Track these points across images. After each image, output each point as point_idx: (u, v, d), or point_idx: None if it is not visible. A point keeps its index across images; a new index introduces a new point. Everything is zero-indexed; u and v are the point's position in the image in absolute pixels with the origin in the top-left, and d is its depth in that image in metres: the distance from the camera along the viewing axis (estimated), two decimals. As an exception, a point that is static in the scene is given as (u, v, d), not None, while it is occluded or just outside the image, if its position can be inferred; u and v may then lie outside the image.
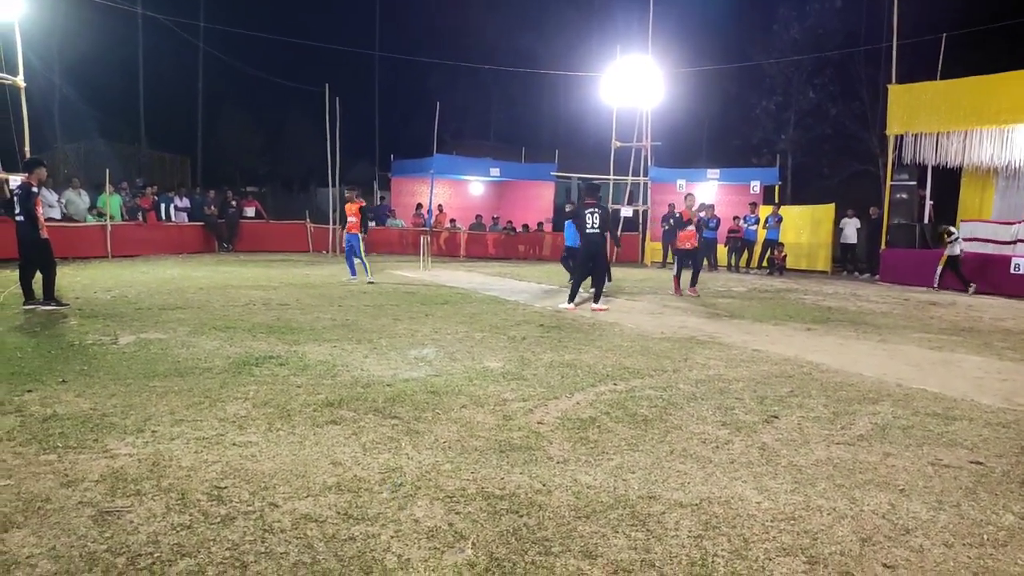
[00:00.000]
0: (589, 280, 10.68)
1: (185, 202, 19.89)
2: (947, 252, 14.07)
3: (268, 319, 8.22)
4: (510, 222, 22.38)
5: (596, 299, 10.13)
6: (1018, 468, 3.91)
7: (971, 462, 3.97)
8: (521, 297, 11.24)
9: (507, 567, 2.70)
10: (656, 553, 2.83)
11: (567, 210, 10.69)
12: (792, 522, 3.15)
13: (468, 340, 7.31)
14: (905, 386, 5.75)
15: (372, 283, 12.53)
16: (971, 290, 13.57)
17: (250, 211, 21.39)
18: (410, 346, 6.90)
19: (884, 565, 2.79)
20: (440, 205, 22.60)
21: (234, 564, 2.65)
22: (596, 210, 10.02)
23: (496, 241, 21.86)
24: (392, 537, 2.91)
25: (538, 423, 4.49)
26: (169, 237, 18.73)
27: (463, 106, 33.05)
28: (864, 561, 2.81)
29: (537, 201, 23.69)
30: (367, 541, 2.87)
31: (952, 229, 14.45)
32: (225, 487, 3.35)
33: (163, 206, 19.22)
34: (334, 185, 20.52)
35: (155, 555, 2.69)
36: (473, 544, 2.87)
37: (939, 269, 14.24)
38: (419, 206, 22.65)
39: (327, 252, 20.40)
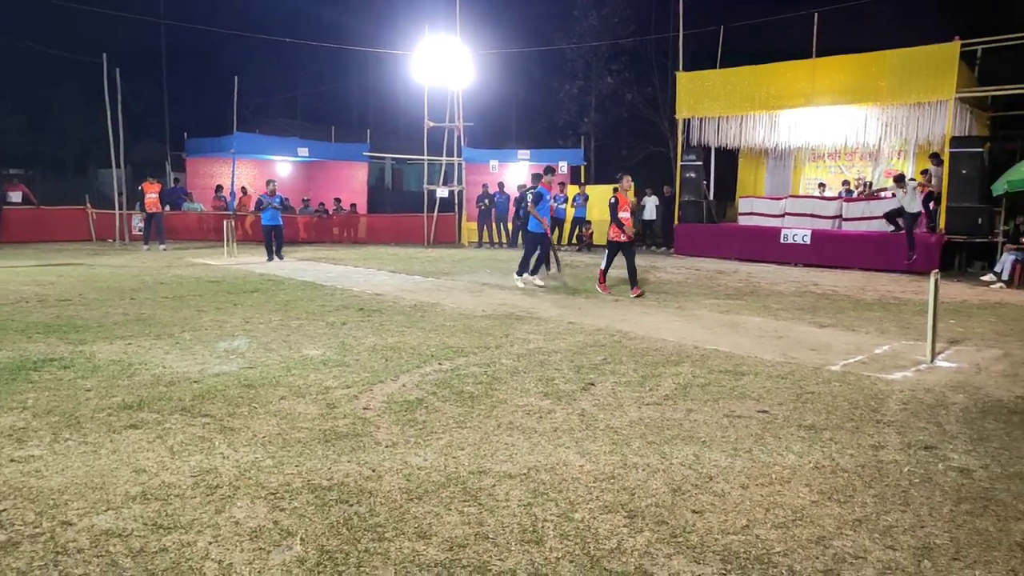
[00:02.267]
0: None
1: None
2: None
3: (46, 317, 7.28)
4: (322, 204, 21.56)
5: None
6: (796, 413, 4.44)
7: (758, 411, 4.46)
8: (339, 282, 10.90)
9: (339, 558, 2.61)
10: (489, 525, 2.88)
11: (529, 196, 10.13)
12: (612, 481, 3.35)
13: (283, 328, 6.96)
14: (701, 348, 6.31)
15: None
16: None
17: (15, 196, 18.73)
18: (218, 338, 6.44)
19: (693, 511, 3.05)
20: (244, 187, 21.24)
21: (20, 596, 2.33)
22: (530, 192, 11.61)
23: (308, 224, 20.98)
24: (211, 543, 2.70)
25: (364, 409, 4.39)
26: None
27: (266, 82, 31.20)
28: (676, 509, 3.06)
29: (350, 182, 23.02)
30: (182, 550, 2.64)
31: None
32: (4, 510, 2.93)
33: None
34: (119, 166, 18.52)
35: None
36: (301, 540, 2.74)
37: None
38: (219, 188, 21.13)
39: (114, 240, 18.44)
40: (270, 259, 14.16)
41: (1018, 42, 13.74)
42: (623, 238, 9.75)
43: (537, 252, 10.88)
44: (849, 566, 2.61)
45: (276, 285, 10.39)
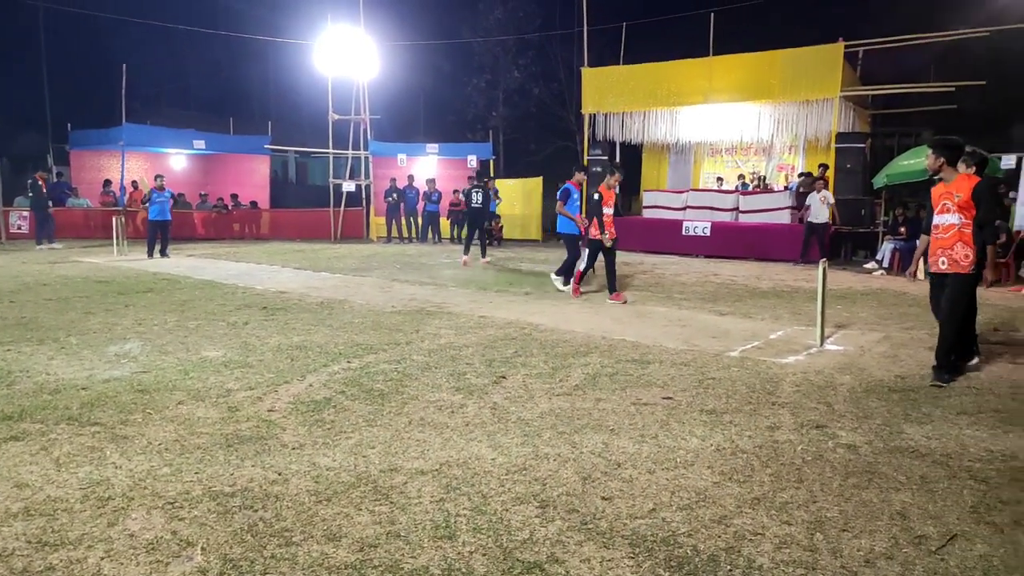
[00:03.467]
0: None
1: None
2: None
3: (-90, 324, 6.67)
4: (221, 199, 20.68)
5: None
6: (698, 399, 4.62)
7: (664, 398, 4.60)
8: (241, 280, 10.49)
9: (244, 566, 2.52)
10: (401, 523, 2.85)
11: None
12: (524, 472, 3.38)
13: (180, 330, 6.64)
14: (609, 338, 6.46)
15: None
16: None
17: None
18: (109, 342, 6.07)
19: (602, 498, 3.12)
20: (135, 181, 20.11)
21: None
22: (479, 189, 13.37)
23: (206, 220, 20.09)
24: (103, 558, 2.55)
25: (268, 411, 4.24)
26: None
27: (157, 71, 29.56)
28: (586, 497, 3.12)
29: (251, 176, 22.19)
30: (70, 568, 2.48)
31: None
32: None
33: None
34: (-7, 159, 17.17)
35: None
36: (203, 549, 2.63)
37: None
38: (108, 183, 19.92)
39: (-10, 239, 17.10)
40: (151, 256, 13.53)
41: (894, 45, 14.76)
42: (607, 241, 8.72)
43: (581, 254, 9.54)
44: (749, 542, 2.73)
45: (172, 284, 9.90)
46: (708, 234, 15.33)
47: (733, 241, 15.00)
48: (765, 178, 17.36)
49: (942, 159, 5.18)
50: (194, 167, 22.63)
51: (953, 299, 5.11)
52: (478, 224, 13.92)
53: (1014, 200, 12.40)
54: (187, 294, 8.95)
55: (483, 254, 13.71)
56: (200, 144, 21.34)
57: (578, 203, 9.89)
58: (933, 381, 5.03)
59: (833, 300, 8.51)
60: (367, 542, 2.70)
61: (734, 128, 16.45)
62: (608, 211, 8.86)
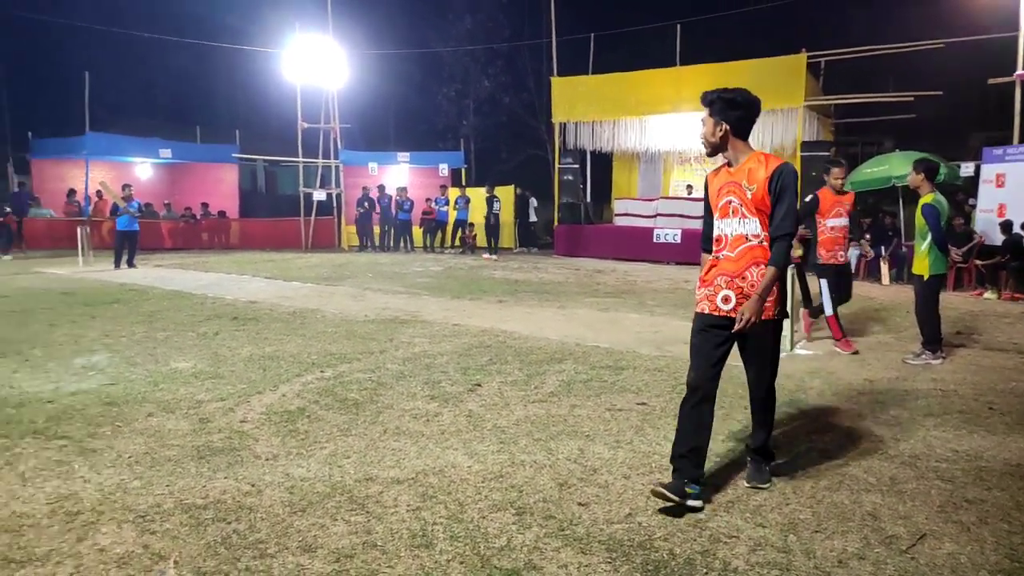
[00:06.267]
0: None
1: None
2: None
3: None
4: (188, 208, 20.37)
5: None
6: (672, 404, 4.65)
7: (638, 404, 4.64)
8: (210, 290, 10.34)
9: (219, 580, 2.48)
10: (377, 533, 2.83)
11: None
12: (500, 479, 3.38)
13: (149, 341, 6.53)
14: (583, 345, 6.49)
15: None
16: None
17: None
18: (74, 354, 5.95)
19: (579, 504, 3.13)
20: (99, 191, 19.73)
21: None
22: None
23: (173, 230, 19.77)
24: (72, 574, 2.50)
25: (241, 421, 4.19)
26: None
27: (121, 79, 29.06)
28: (563, 503, 3.13)
29: (219, 185, 21.90)
30: (38, 586, 2.42)
31: None
32: None
33: None
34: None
35: None
36: (176, 563, 2.58)
37: None
38: (72, 192, 19.51)
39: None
40: (117, 267, 13.29)
41: (854, 56, 15.12)
42: (837, 259, 6.47)
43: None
44: (724, 545, 2.77)
45: (139, 295, 9.72)
46: (679, 241, 15.50)
47: (703, 248, 15.16)
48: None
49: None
50: (160, 176, 22.28)
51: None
52: (496, 230, 18.14)
53: (973, 207, 12.75)
54: (155, 305, 8.80)
55: (495, 252, 17.48)
56: (166, 153, 21.02)
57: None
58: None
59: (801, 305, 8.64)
60: (343, 552, 2.68)
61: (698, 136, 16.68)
62: (838, 221, 6.43)
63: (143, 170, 21.89)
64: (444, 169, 21.12)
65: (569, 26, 19.64)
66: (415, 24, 27.95)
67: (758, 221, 3.11)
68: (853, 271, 10.31)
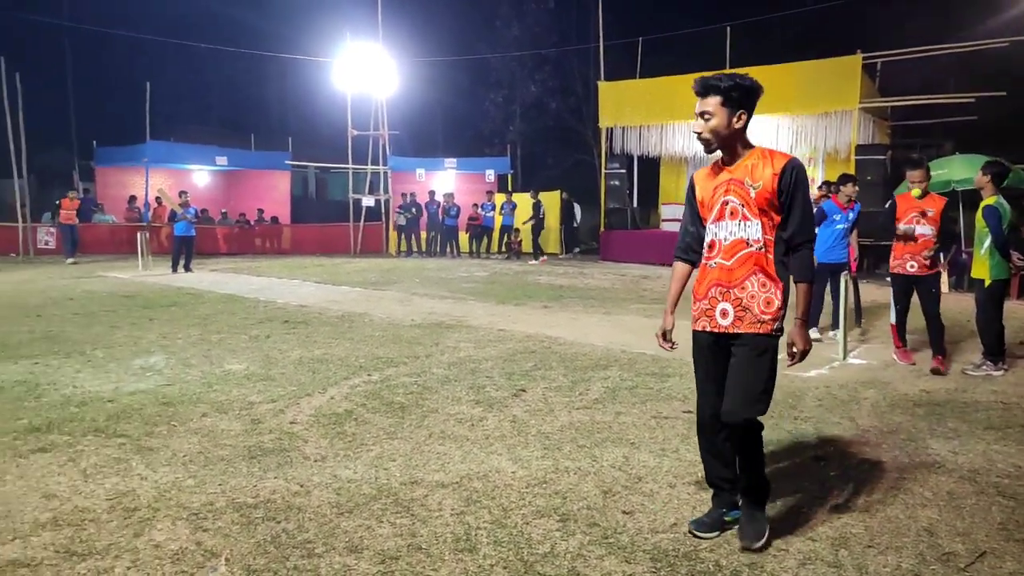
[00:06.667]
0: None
1: None
2: None
3: (-59, 337, 6.81)
4: (243, 214, 20.92)
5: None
6: (719, 412, 4.59)
7: (684, 412, 4.58)
8: (262, 294, 10.60)
9: (268, 578, 2.54)
10: (422, 536, 2.86)
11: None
12: (544, 485, 3.37)
13: (203, 343, 6.72)
14: (629, 351, 6.44)
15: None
16: None
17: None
18: (134, 355, 6.16)
19: (623, 512, 3.10)
20: (158, 197, 20.42)
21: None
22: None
23: (228, 236, 20.33)
24: (129, 568, 2.58)
25: (290, 423, 4.28)
26: None
27: (179, 88, 30.08)
28: (607, 511, 3.11)
29: (272, 192, 22.45)
30: (97, 579, 2.51)
31: None
32: None
33: None
34: (20, 175, 17.50)
35: None
36: (227, 560, 2.65)
37: None
38: (132, 199, 20.25)
39: (17, 255, 17.40)
40: (175, 271, 13.71)
41: (913, 56, 14.68)
42: (909, 268, 5.97)
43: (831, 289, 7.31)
44: (772, 558, 2.71)
45: (195, 298, 10.02)
46: (727, 247, 15.26)
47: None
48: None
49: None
50: (216, 183, 22.95)
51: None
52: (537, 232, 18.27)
53: (1039, 211, 12.22)
54: (210, 308, 9.06)
55: (542, 257, 17.60)
56: (222, 160, 21.65)
57: (835, 228, 7.30)
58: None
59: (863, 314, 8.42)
60: (388, 554, 2.71)
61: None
62: (921, 229, 5.91)
63: (200, 177, 22.58)
64: (490, 175, 21.23)
65: (617, 30, 19.58)
66: (463, 31, 28.20)
67: (760, 224, 2.73)
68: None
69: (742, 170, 2.79)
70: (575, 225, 20.32)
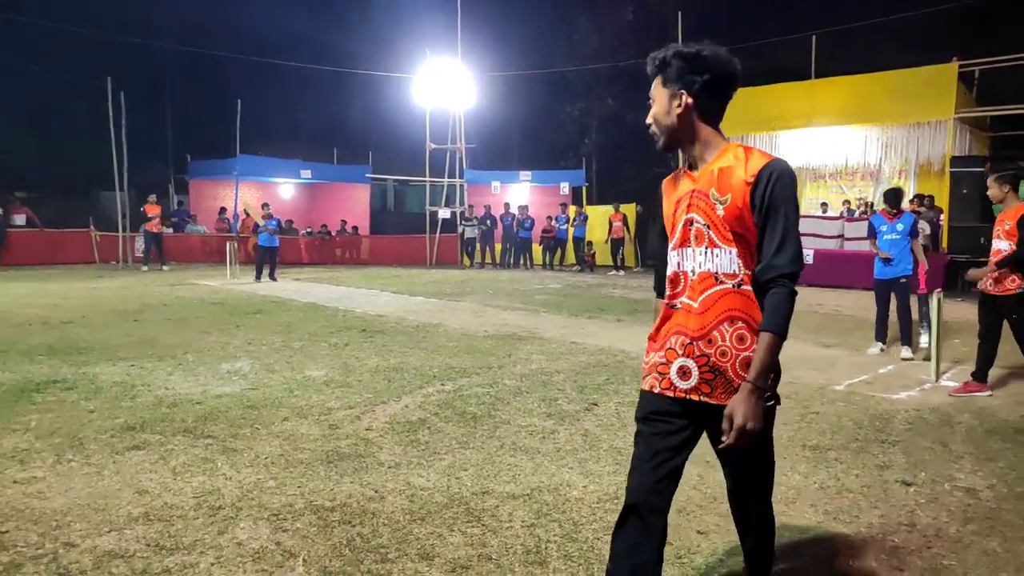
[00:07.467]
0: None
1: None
2: None
3: (49, 339, 7.29)
4: (324, 226, 21.65)
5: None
6: (800, 433, 4.43)
7: (762, 431, 4.43)
8: (341, 303, 10.91)
9: (342, 580, 2.59)
10: (492, 546, 2.87)
11: None
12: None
13: (286, 349, 6.96)
14: (704, 367, 6.28)
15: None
16: None
17: (20, 219, 18.83)
18: (221, 360, 6.44)
19: (698, 531, 3.03)
20: (245, 209, 21.36)
21: (21, 619, 2.31)
22: None
23: (310, 246, 21.06)
24: (213, 564, 2.69)
25: (366, 429, 4.38)
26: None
27: (267, 104, 31.46)
28: (681, 530, 3.04)
29: (352, 204, 23.17)
30: (184, 572, 2.63)
31: None
32: (6, 531, 2.92)
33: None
34: (122, 189, 18.63)
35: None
36: (304, 561, 2.73)
37: None
38: (223, 210, 21.26)
39: (117, 263, 18.51)
40: (259, 279, 14.25)
41: (1015, 63, 13.88)
42: (991, 285, 5.43)
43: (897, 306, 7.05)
44: (856, 587, 2.59)
45: (278, 306, 10.40)
46: (811, 261, 14.70)
47: (838, 269, 14.31)
48: (873, 204, 16.58)
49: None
50: (301, 195, 23.84)
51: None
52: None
53: None
54: (292, 316, 9.39)
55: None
56: (307, 174, 22.50)
57: (885, 239, 7.04)
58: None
59: (950, 333, 7.99)
60: (459, 563, 2.73)
61: (838, 152, 15.85)
62: (1000, 244, 5.45)
63: (285, 189, 23.51)
64: (565, 187, 21.25)
65: (696, 40, 19.27)
66: (540, 45, 28.41)
67: (733, 251, 1.96)
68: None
69: (707, 178, 2.02)
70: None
